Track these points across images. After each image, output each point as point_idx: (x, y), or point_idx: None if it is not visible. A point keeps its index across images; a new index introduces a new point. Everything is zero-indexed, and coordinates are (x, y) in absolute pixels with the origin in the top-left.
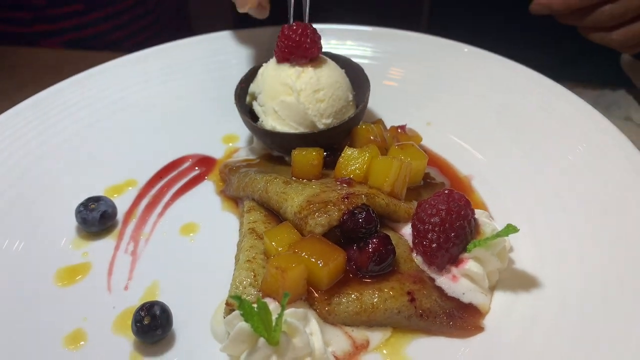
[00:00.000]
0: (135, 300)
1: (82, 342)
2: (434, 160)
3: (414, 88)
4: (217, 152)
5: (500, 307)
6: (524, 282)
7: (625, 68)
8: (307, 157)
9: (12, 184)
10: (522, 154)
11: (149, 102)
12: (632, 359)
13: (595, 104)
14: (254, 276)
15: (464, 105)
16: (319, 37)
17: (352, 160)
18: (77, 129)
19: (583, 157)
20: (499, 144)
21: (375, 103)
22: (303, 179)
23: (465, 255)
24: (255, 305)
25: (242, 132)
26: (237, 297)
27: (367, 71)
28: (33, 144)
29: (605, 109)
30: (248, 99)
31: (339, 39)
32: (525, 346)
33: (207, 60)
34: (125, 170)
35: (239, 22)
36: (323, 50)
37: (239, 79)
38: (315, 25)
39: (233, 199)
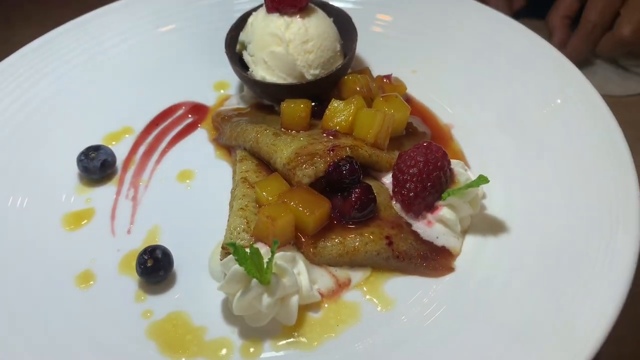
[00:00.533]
0: (137, 243)
1: (91, 282)
2: (417, 109)
3: (401, 35)
4: (209, 99)
5: (470, 250)
6: (493, 227)
7: None
8: (295, 110)
9: (11, 136)
10: (500, 104)
11: (140, 49)
12: (587, 298)
13: None
14: (247, 223)
15: (448, 54)
16: None
17: (338, 112)
18: (71, 78)
19: (557, 110)
20: (479, 93)
21: (362, 50)
22: (291, 130)
23: (440, 202)
24: (248, 250)
25: (233, 79)
26: (232, 244)
27: (353, 17)
28: (29, 95)
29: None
30: (238, 47)
31: None
32: (490, 285)
33: (197, 4)
34: (122, 118)
35: None
36: None
37: (229, 24)
38: None
39: (226, 147)
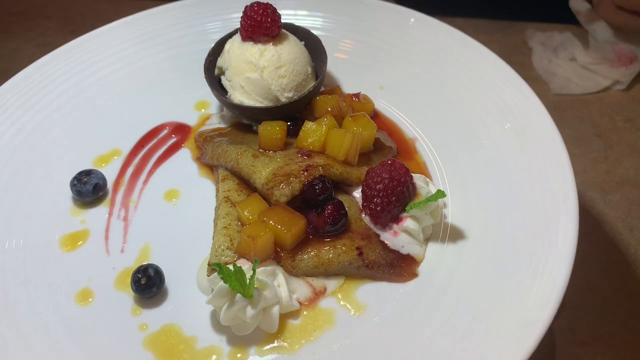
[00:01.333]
0: (131, 261)
1: (90, 299)
2: (384, 124)
3: (368, 54)
4: (191, 119)
5: (432, 256)
6: (452, 234)
7: (573, 9)
8: (272, 132)
9: (6, 164)
10: (458, 120)
11: (122, 73)
12: (532, 290)
13: (544, 46)
14: (230, 240)
15: (410, 71)
16: (279, 16)
17: (311, 133)
18: (59, 104)
19: (509, 129)
20: (439, 110)
21: (333, 68)
22: (269, 150)
23: (404, 214)
24: (231, 268)
25: (213, 98)
26: (217, 265)
27: (324, 37)
28: (19, 123)
29: (553, 51)
30: (217, 71)
31: (294, 8)
32: (449, 286)
33: (175, 29)
34: (110, 141)
35: None
36: (285, 20)
37: (205, 46)
38: None
39: (208, 165)
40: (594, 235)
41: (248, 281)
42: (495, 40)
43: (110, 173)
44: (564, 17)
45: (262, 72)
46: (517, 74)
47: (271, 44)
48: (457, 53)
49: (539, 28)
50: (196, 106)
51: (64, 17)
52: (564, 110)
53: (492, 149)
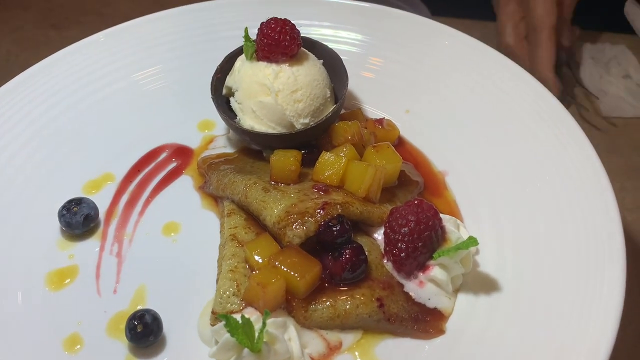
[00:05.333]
0: (125, 303)
1: (78, 346)
2: (410, 154)
3: (394, 73)
4: (193, 141)
5: (462, 310)
6: (485, 285)
7: (629, 16)
8: (285, 163)
9: None
10: (497, 152)
11: (116, 87)
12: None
13: (594, 60)
14: (237, 286)
15: (443, 94)
16: (298, 33)
17: (329, 165)
18: (45, 121)
19: (553, 165)
20: (475, 137)
21: (355, 88)
22: (281, 183)
23: (432, 262)
24: (239, 318)
25: (218, 117)
26: (224, 316)
27: (346, 56)
28: (2, 142)
29: (604, 66)
30: (225, 91)
31: (317, 18)
32: (480, 346)
33: (174, 37)
34: (102, 164)
35: None
36: (311, 35)
37: (208, 57)
38: None
39: (212, 196)
40: None
41: (257, 334)
42: None
43: (101, 201)
44: (615, 24)
45: (276, 95)
46: (564, 107)
47: (287, 64)
48: (496, 77)
49: (587, 38)
50: (199, 126)
51: (44, 8)
52: (616, 135)
53: (533, 191)
